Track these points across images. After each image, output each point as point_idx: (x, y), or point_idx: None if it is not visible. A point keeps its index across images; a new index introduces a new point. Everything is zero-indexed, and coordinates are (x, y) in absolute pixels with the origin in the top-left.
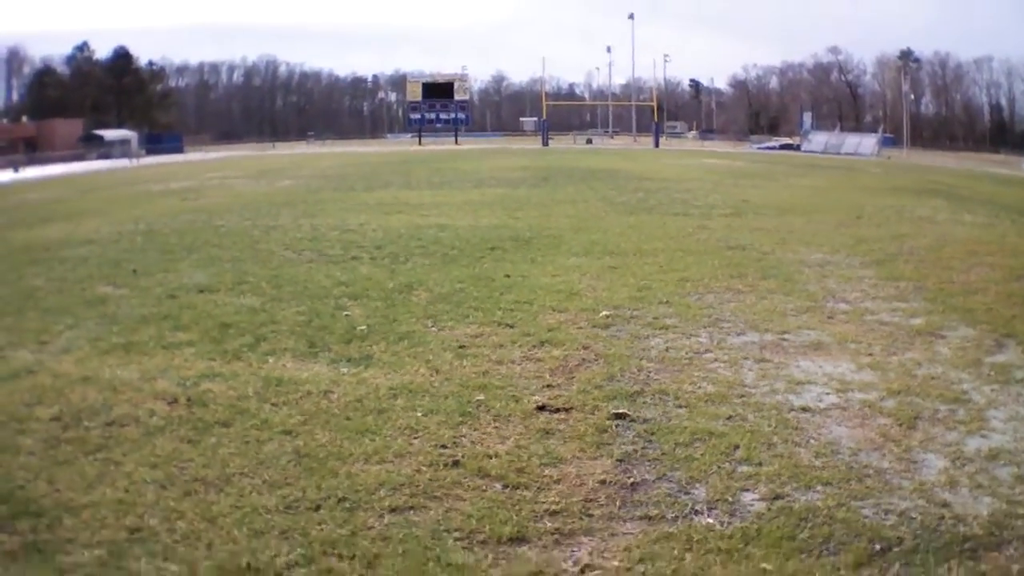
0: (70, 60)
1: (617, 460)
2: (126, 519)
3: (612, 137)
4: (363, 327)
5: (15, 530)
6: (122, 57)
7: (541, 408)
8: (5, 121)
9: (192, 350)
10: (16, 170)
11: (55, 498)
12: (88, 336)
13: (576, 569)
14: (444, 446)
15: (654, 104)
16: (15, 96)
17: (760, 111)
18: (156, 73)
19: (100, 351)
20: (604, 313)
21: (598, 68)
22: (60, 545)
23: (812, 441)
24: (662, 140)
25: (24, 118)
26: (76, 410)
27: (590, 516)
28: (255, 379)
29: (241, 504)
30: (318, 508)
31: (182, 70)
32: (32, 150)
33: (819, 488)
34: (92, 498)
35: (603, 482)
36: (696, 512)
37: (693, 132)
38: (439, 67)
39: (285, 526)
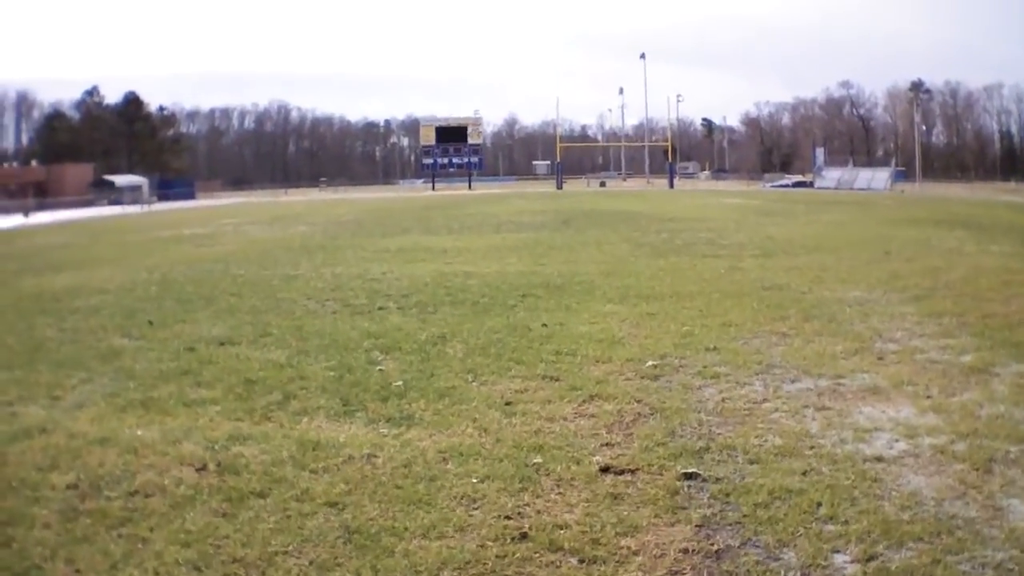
0: (80, 105)
1: (696, 525)
2: None
3: (625, 180)
4: (399, 383)
5: None
6: (132, 102)
7: (605, 470)
8: (15, 165)
9: (217, 408)
10: (26, 215)
11: None
12: (104, 392)
13: None
14: (508, 517)
15: (669, 145)
16: (24, 140)
17: (773, 148)
18: (167, 118)
19: (117, 408)
20: (651, 363)
21: (610, 110)
22: None
23: (893, 493)
24: (675, 181)
25: (34, 162)
26: (95, 476)
27: None
28: (289, 442)
29: None
30: None
31: (193, 115)
32: (42, 195)
33: (911, 545)
34: None
35: (686, 551)
36: None
37: (706, 172)
38: (451, 111)
39: None
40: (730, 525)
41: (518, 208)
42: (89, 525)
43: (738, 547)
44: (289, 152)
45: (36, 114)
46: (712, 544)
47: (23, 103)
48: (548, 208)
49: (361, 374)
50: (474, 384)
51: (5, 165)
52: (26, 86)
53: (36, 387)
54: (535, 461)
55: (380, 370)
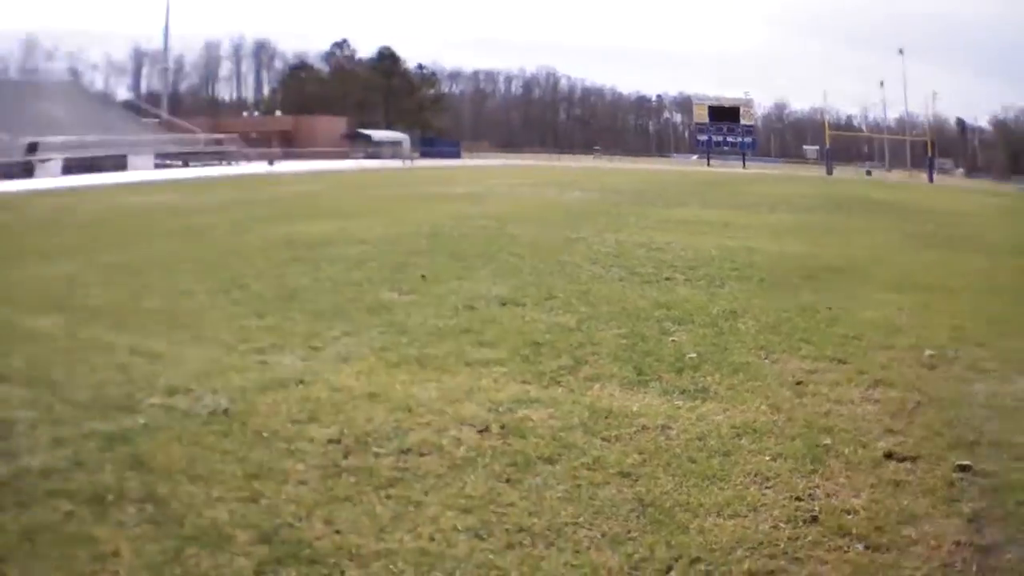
0: (328, 57)
1: (968, 519)
2: (431, 575)
3: (890, 171)
4: (692, 355)
5: None
6: (387, 58)
7: (889, 456)
8: (256, 114)
9: (501, 369)
10: (270, 163)
11: (335, 541)
12: (371, 345)
13: None
14: (799, 498)
15: (928, 140)
16: (265, 90)
17: (1021, 152)
18: (427, 77)
19: (388, 363)
20: (928, 353)
21: (874, 103)
22: None
23: None
24: (934, 176)
25: (278, 112)
26: (361, 432)
27: None
28: (579, 408)
29: (578, 562)
30: (668, 570)
31: (455, 76)
32: (287, 145)
33: None
34: (385, 546)
35: (958, 543)
36: None
37: (961, 170)
38: (718, 92)
39: None
40: (997, 521)
41: (791, 191)
42: (352, 484)
43: (1004, 544)
44: (560, 119)
45: (278, 64)
46: (982, 539)
47: (263, 53)
48: (819, 192)
49: (653, 344)
50: (766, 361)
51: (245, 114)
52: (264, 37)
53: (291, 336)
54: (825, 442)
55: (673, 341)
